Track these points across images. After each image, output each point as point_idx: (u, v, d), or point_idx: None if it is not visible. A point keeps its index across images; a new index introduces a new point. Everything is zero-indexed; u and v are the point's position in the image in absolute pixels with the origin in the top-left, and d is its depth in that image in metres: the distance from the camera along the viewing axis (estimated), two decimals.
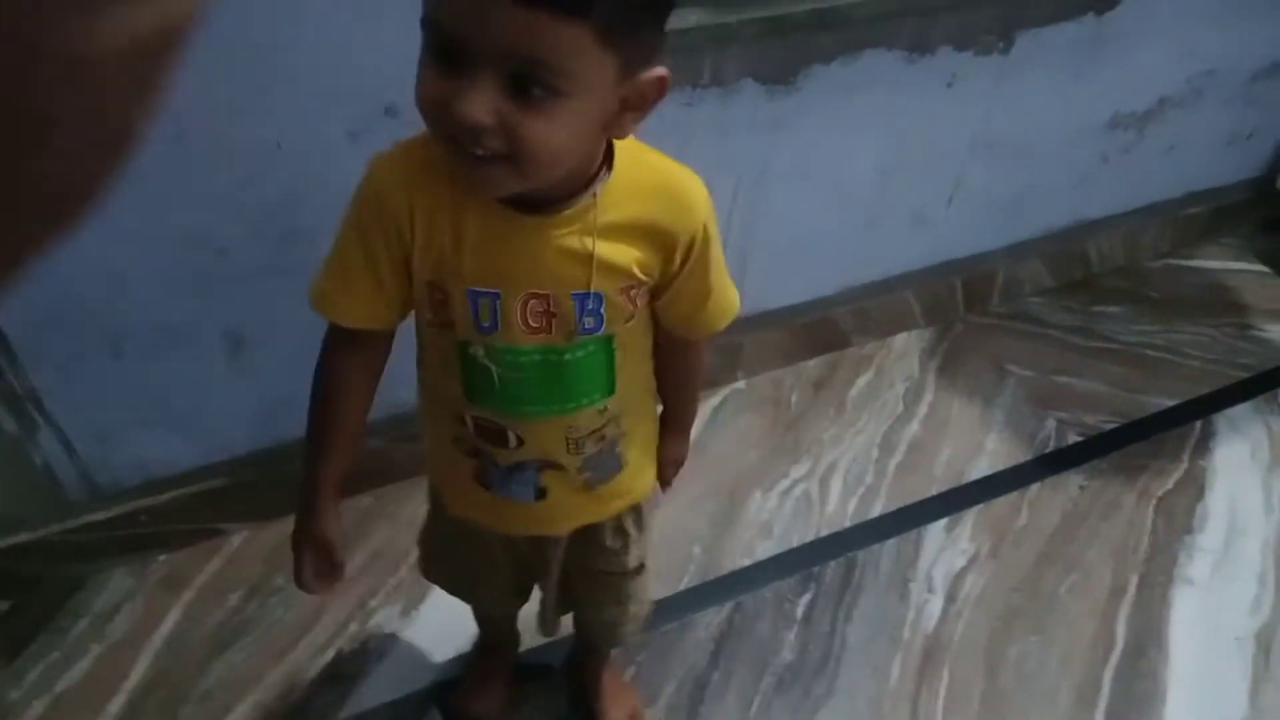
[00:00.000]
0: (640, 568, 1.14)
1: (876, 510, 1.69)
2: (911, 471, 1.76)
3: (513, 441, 0.89)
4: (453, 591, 1.20)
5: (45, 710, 1.32)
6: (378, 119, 1.21)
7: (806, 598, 1.54)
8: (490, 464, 0.92)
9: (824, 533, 1.64)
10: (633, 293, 0.82)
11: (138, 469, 1.43)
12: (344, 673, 1.38)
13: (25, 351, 1.23)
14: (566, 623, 1.25)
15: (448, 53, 0.64)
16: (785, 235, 1.70)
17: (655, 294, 0.85)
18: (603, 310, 0.80)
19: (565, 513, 0.98)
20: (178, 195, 1.17)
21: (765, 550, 1.61)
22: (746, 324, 1.78)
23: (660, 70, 0.69)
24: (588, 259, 0.77)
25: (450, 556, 1.14)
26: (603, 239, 0.77)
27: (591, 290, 0.79)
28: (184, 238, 1.22)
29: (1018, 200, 1.96)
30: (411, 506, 1.58)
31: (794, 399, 1.87)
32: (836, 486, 1.72)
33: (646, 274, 0.81)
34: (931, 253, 1.95)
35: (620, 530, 1.07)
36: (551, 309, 0.79)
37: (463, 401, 0.87)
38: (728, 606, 1.52)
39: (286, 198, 1.24)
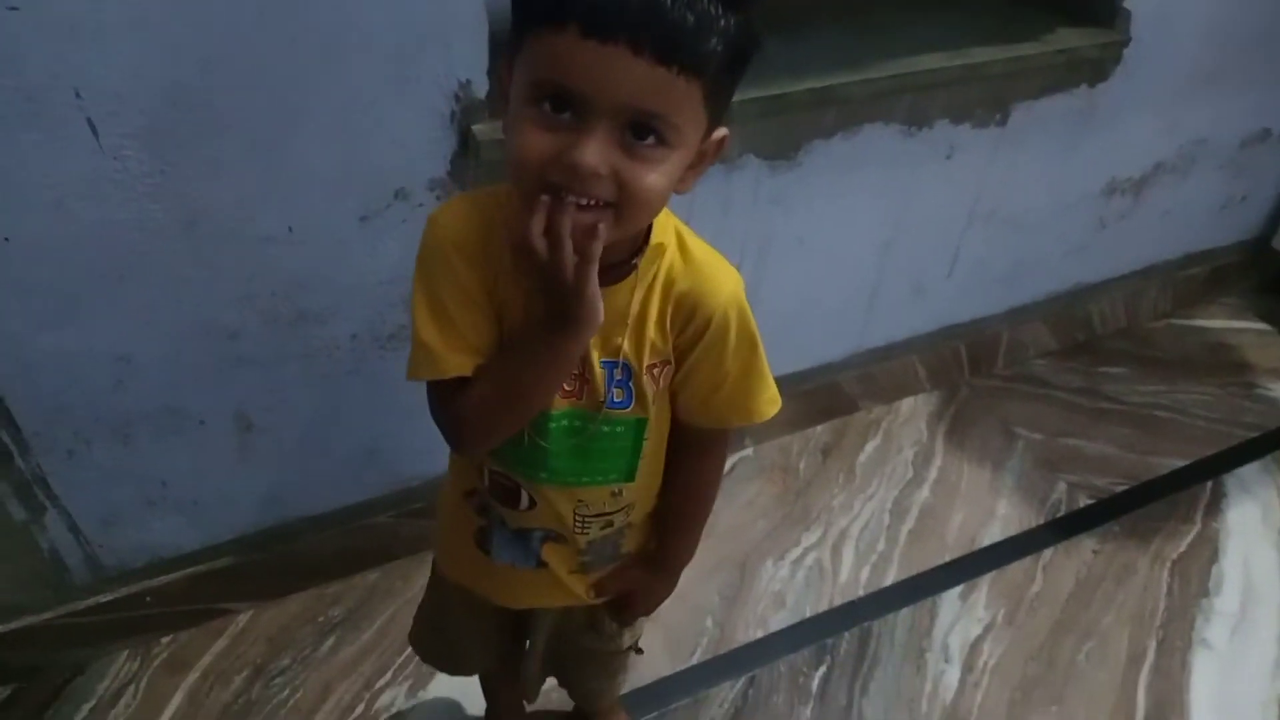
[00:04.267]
0: (633, 648, 1.15)
1: (890, 578, 1.67)
2: (924, 538, 1.74)
3: (524, 503, 0.90)
4: (431, 662, 1.23)
5: None
6: (388, 202, 1.23)
7: (821, 670, 1.52)
8: (497, 524, 0.93)
9: (837, 602, 1.62)
10: (655, 370, 0.83)
11: (143, 551, 1.41)
12: None
13: (35, 438, 1.22)
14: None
15: (559, 108, 0.66)
16: (789, 305, 1.71)
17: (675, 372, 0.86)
18: (630, 384, 0.83)
19: (559, 589, 0.98)
20: (187, 282, 1.18)
21: (778, 621, 1.59)
22: None
23: (724, 131, 0.74)
24: (623, 324, 0.80)
25: (439, 622, 1.14)
26: (638, 316, 0.80)
27: (620, 359, 0.81)
28: (194, 323, 1.22)
29: (1017, 267, 1.98)
30: (418, 582, 1.55)
31: (803, 465, 1.86)
32: (849, 554, 1.70)
33: (669, 347, 0.83)
34: (934, 319, 1.96)
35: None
36: (585, 374, 0.81)
37: (485, 454, 0.88)
38: (741, 681, 1.50)
39: (297, 282, 1.24)
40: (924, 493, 1.83)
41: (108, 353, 1.20)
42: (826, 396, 1.91)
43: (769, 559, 1.68)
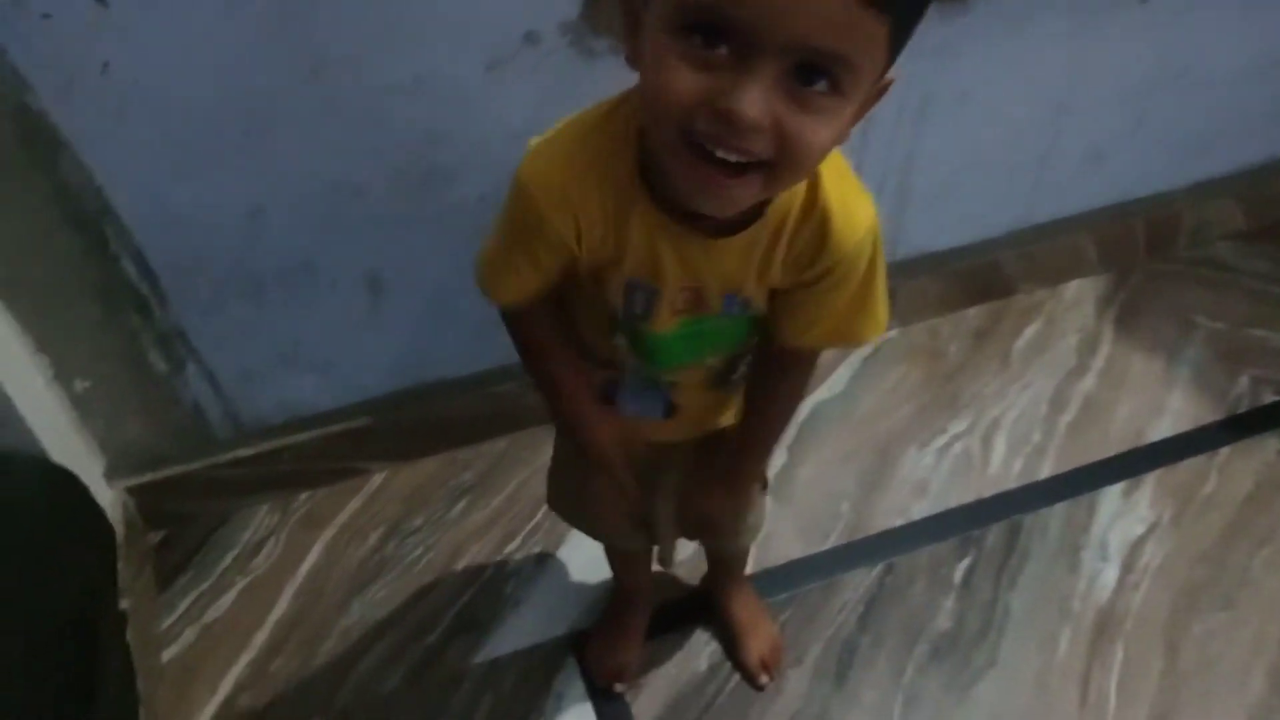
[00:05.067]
0: (762, 484, 1.13)
1: (1045, 471, 1.55)
2: (1084, 430, 1.61)
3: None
4: (571, 520, 1.19)
5: (195, 639, 1.35)
6: (516, 48, 1.15)
7: (965, 562, 1.43)
8: (623, 374, 0.90)
9: (986, 494, 1.52)
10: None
11: (281, 408, 1.43)
12: (479, 617, 1.36)
13: (173, 290, 1.23)
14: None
15: (713, 41, 0.55)
16: (947, 172, 1.56)
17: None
18: (749, 306, 0.80)
19: (693, 419, 0.95)
20: (314, 135, 1.14)
21: (920, 510, 1.50)
22: (901, 269, 1.65)
23: (892, 75, 0.63)
24: (748, 270, 0.75)
25: (570, 478, 1.11)
26: (763, 258, 0.75)
27: (740, 297, 0.78)
28: (323, 178, 1.19)
29: (1209, 135, 1.76)
30: (545, 452, 1.53)
31: (953, 349, 1.74)
32: (1000, 445, 1.59)
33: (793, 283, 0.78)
34: (1110, 192, 1.77)
35: None
36: (702, 298, 0.78)
37: (605, 330, 0.85)
38: (878, 568, 1.43)
39: (424, 136, 1.19)
40: (1087, 383, 1.68)
41: (240, 207, 1.18)
42: (983, 276, 1.76)
43: (912, 446, 1.59)
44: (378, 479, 1.54)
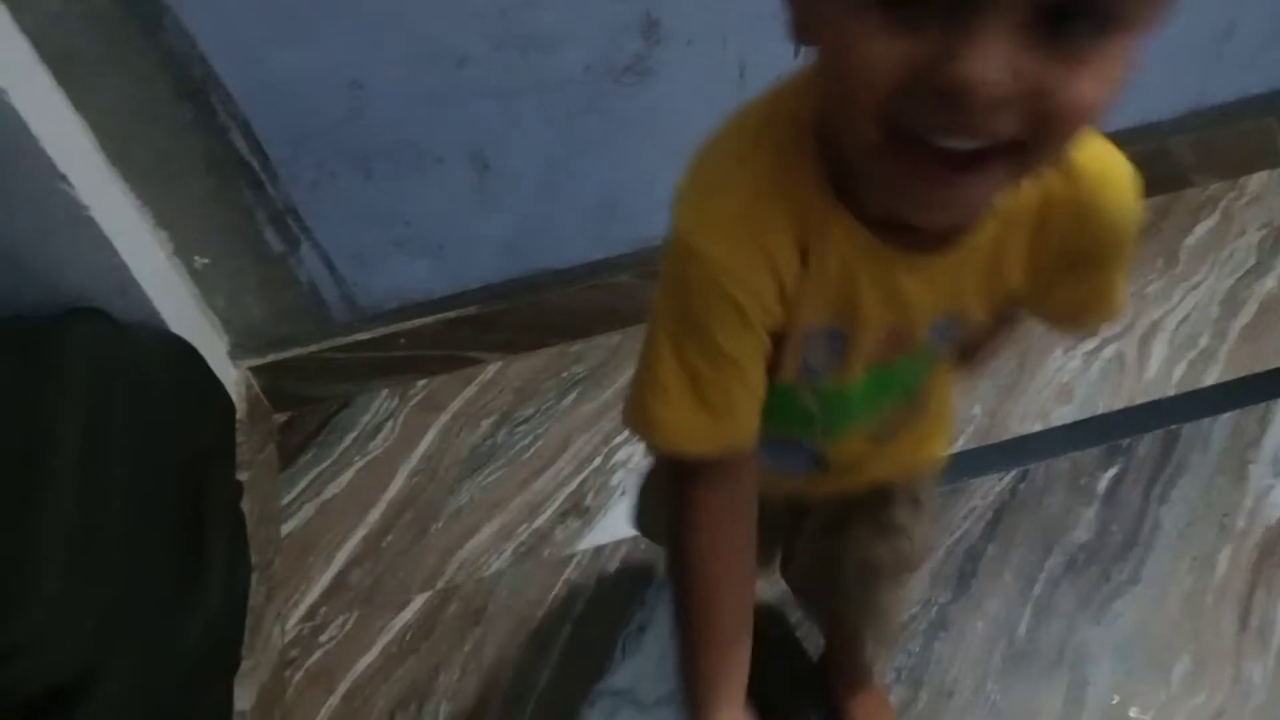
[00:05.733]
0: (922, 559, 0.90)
1: (1211, 378, 1.39)
2: (1261, 336, 1.43)
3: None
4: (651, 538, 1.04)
5: (313, 514, 1.39)
6: None
7: (1112, 472, 1.31)
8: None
9: (1139, 400, 1.38)
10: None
11: (395, 292, 1.43)
12: (586, 505, 1.34)
13: (282, 166, 1.23)
14: None
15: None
16: None
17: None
18: (963, 328, 0.62)
19: (846, 474, 0.75)
20: None
21: (1062, 416, 1.38)
22: None
23: None
24: (974, 278, 0.57)
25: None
26: (993, 262, 0.56)
27: (959, 318, 0.60)
28: (421, 46, 1.16)
29: None
30: None
31: None
32: (1160, 348, 1.44)
33: (1034, 283, 0.60)
34: None
35: (913, 501, 0.82)
36: (906, 334, 0.60)
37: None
38: (1011, 474, 1.32)
39: None
40: (1269, 283, 1.50)
41: (341, 77, 1.16)
42: (1151, 164, 1.57)
43: (1058, 348, 1.45)
44: (492, 369, 1.53)
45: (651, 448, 0.65)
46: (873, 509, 0.82)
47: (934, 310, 0.58)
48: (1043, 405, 1.39)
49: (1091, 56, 0.40)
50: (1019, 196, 0.54)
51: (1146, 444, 1.33)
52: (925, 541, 0.87)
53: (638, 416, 0.58)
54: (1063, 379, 1.42)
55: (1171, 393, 1.39)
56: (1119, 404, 1.38)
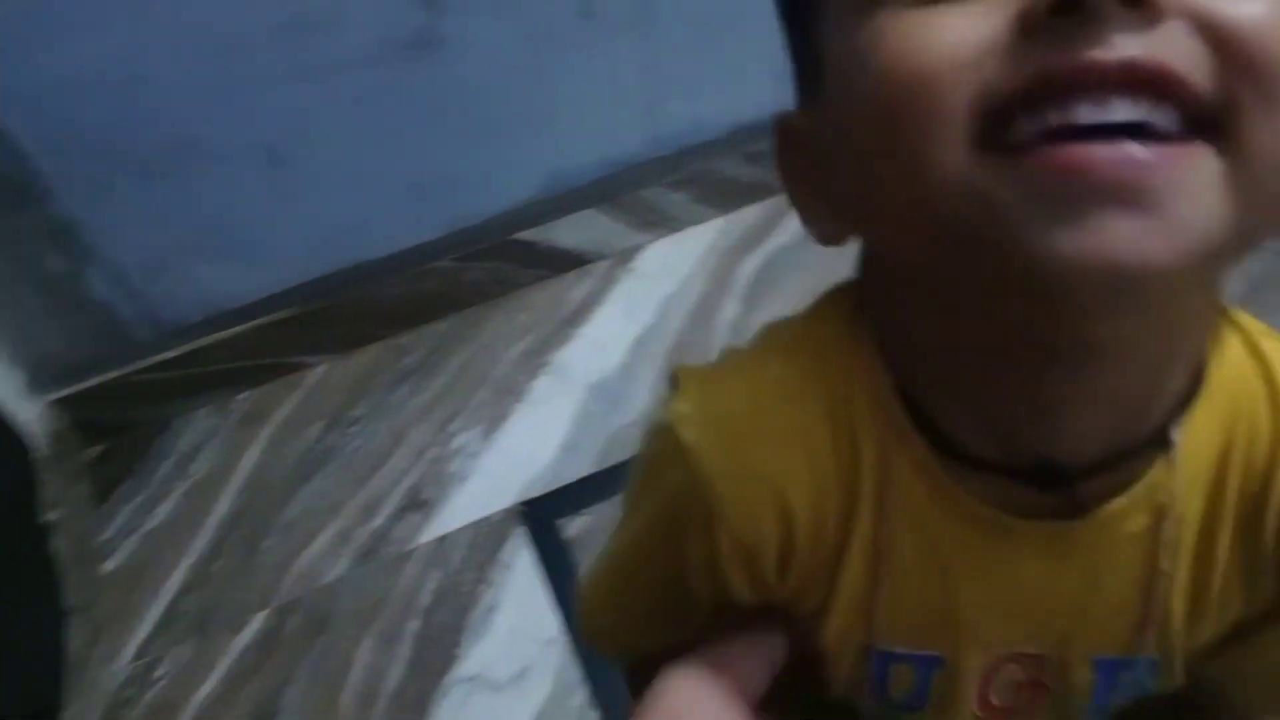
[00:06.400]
0: None
1: None
2: None
3: None
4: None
5: (136, 547, 1.30)
6: None
7: None
8: None
9: None
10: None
11: (200, 303, 1.36)
12: (426, 497, 1.30)
13: (55, 178, 1.16)
14: None
15: None
16: None
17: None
18: (1152, 681, 0.41)
19: None
20: None
21: None
22: None
23: None
24: (1160, 587, 0.37)
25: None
26: (1191, 544, 0.38)
27: (1143, 655, 0.39)
28: (194, 34, 1.10)
29: None
30: (488, 328, 1.47)
31: None
32: None
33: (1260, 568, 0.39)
34: None
35: None
36: (1044, 679, 0.41)
37: None
38: None
39: None
40: None
41: (109, 75, 1.10)
42: None
43: None
44: (318, 371, 1.47)
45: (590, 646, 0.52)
46: None
47: (1096, 615, 0.38)
48: None
49: None
50: (1211, 431, 0.36)
51: None
52: None
53: (581, 616, 0.49)
54: None
55: None
56: None
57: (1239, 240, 0.28)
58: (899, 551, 0.37)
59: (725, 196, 1.57)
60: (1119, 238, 0.26)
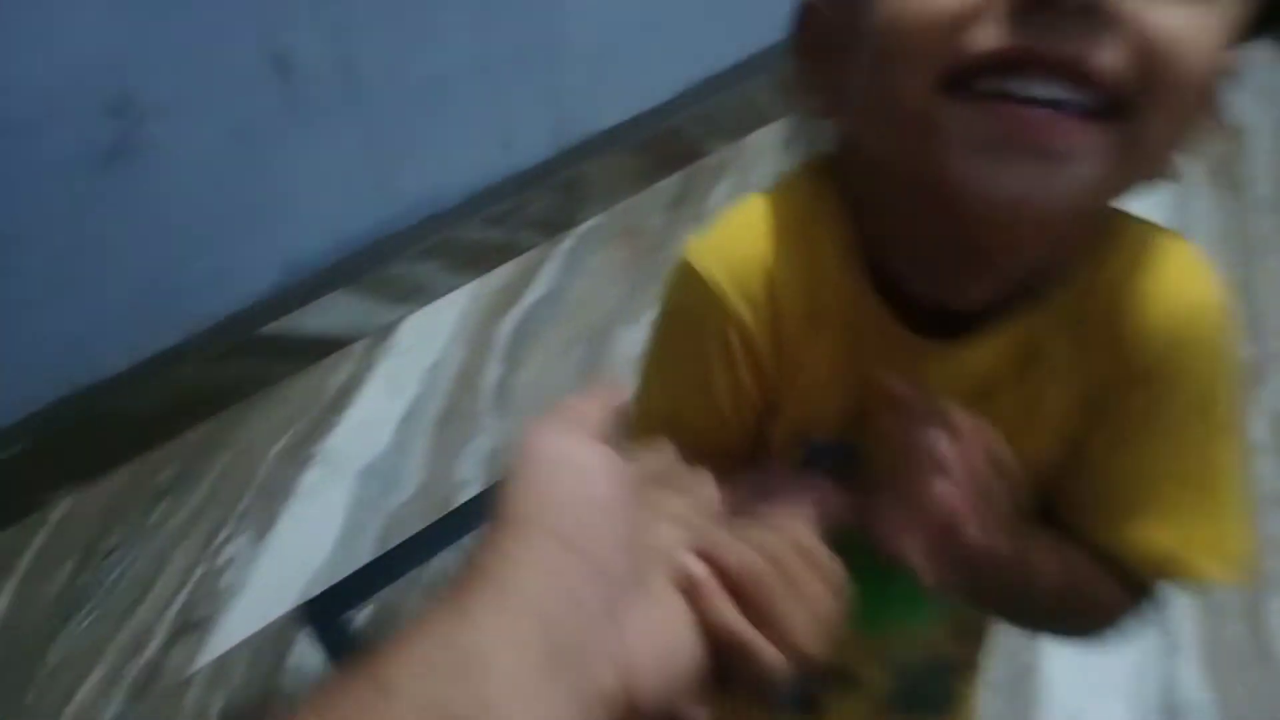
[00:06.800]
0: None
1: None
2: None
3: None
4: None
5: None
6: None
7: None
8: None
9: None
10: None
11: None
12: (198, 618, 1.24)
13: None
14: None
15: None
16: (603, 36, 1.51)
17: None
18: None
19: None
20: None
21: None
22: (581, 150, 1.61)
23: None
24: (1015, 402, 0.48)
25: None
26: (1036, 377, 0.48)
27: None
28: None
29: None
30: (246, 429, 1.42)
31: (653, 223, 1.71)
32: None
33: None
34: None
35: None
36: None
37: None
38: None
39: None
40: None
41: None
42: (664, 144, 1.74)
43: (629, 325, 1.55)
44: (63, 506, 1.37)
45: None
46: None
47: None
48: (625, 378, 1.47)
49: None
50: (1068, 300, 0.46)
51: None
52: None
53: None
54: (637, 351, 1.51)
55: None
56: None
57: (1117, 189, 0.40)
58: (839, 353, 0.49)
59: (473, 261, 1.60)
60: (1023, 178, 0.37)
